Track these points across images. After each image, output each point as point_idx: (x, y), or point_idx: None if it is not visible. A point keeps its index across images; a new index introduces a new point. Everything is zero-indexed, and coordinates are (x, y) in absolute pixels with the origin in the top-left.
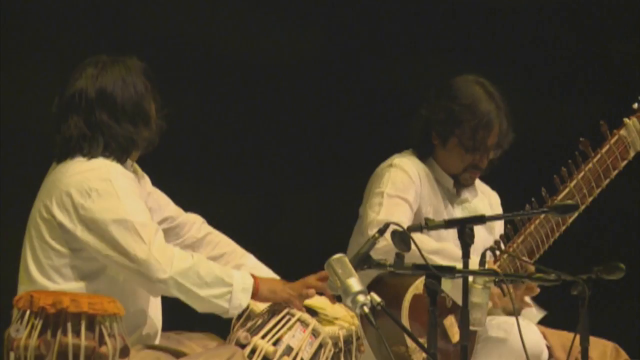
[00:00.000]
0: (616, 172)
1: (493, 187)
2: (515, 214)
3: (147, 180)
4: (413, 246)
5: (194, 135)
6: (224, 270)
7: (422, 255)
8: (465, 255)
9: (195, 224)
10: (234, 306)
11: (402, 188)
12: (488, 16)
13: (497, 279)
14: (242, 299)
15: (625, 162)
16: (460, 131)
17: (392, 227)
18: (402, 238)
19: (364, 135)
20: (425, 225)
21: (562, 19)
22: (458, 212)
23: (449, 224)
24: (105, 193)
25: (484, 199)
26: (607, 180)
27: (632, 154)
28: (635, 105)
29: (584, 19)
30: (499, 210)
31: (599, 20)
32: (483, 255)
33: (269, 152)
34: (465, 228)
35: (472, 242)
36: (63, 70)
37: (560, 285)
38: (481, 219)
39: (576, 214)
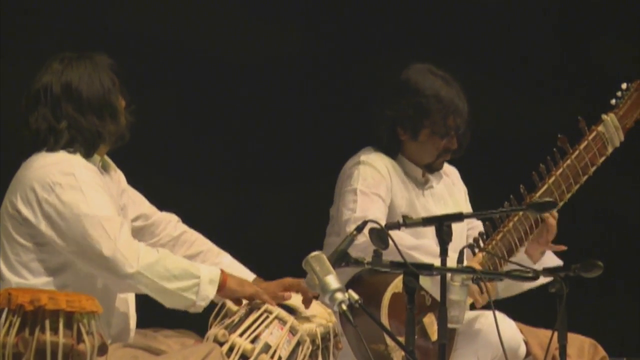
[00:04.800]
0: (594, 168)
1: (471, 184)
2: (493, 212)
3: (121, 176)
4: (391, 243)
5: (169, 133)
6: (191, 263)
7: (400, 253)
8: (443, 253)
9: (170, 223)
10: (202, 298)
11: (373, 184)
12: (464, 14)
13: (474, 277)
14: (209, 290)
15: (603, 159)
16: (431, 121)
17: (369, 225)
18: (380, 236)
19: (340, 133)
20: (403, 222)
21: (540, 17)
22: (429, 200)
23: (426, 221)
24: (69, 187)
25: (446, 180)
26: (586, 177)
27: (610, 150)
28: (613, 102)
29: (561, 17)
30: (460, 184)
31: (576, 18)
32: (461, 253)
33: (243, 149)
34: (442, 226)
35: (450, 239)
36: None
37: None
38: (459, 217)
39: (554, 211)
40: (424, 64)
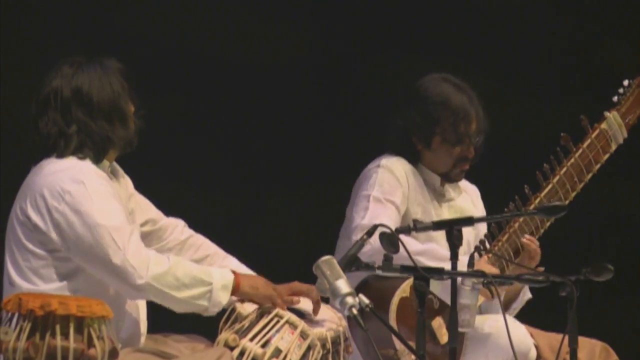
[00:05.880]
0: (598, 166)
1: (476, 184)
2: (503, 216)
3: (129, 181)
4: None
5: (175, 137)
6: (203, 269)
7: (411, 257)
8: (454, 257)
9: (177, 227)
10: (214, 304)
11: (388, 190)
12: (469, 14)
13: (485, 281)
14: (222, 296)
15: (607, 156)
16: (441, 128)
17: (380, 229)
18: (390, 240)
19: (348, 136)
20: (413, 227)
21: (541, 17)
22: (445, 211)
23: (437, 225)
24: (78, 196)
25: (466, 196)
26: (590, 175)
27: (613, 147)
28: (615, 99)
29: (563, 16)
30: (480, 203)
31: (579, 17)
32: (471, 257)
33: (250, 153)
34: (453, 230)
35: (461, 243)
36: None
37: (548, 286)
38: (469, 221)
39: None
40: (441, 73)
